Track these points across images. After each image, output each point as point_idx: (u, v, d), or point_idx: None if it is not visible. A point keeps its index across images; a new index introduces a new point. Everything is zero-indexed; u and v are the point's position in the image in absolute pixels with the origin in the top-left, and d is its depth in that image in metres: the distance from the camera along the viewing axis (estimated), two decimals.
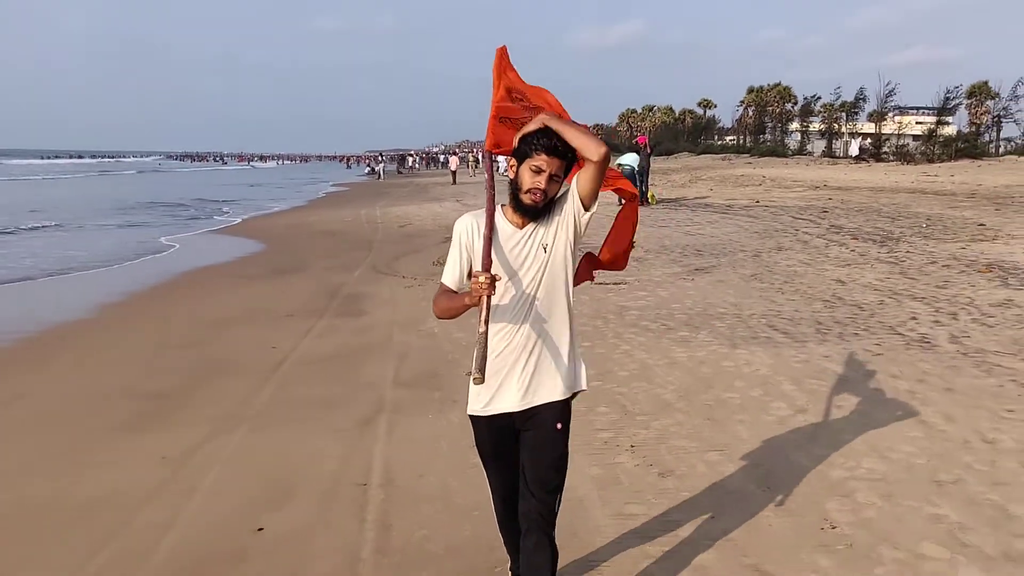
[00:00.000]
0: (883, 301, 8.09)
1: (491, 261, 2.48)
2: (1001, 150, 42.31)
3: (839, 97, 52.18)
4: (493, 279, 2.38)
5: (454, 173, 41.40)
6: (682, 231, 14.79)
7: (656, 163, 41.93)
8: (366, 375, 6.32)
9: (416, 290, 9.97)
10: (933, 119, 43.04)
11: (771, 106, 62.14)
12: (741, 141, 62.21)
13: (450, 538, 3.59)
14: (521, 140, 2.51)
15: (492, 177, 2.70)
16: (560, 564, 2.74)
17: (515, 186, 2.53)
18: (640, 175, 20.97)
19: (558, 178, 2.51)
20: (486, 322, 2.36)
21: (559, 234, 2.58)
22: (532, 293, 2.58)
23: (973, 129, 44.08)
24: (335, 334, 7.75)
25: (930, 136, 39.04)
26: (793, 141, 56.54)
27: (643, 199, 20.91)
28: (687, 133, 69.40)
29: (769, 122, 62.17)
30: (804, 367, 5.95)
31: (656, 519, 3.70)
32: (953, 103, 43.03)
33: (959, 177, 24.89)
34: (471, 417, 2.73)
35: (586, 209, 2.56)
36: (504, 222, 2.60)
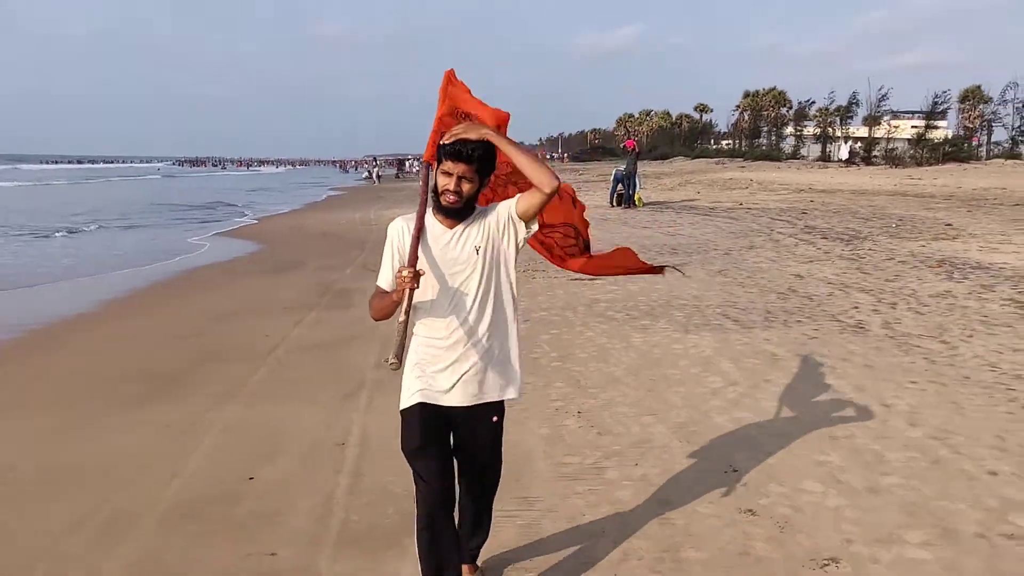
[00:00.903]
0: (832, 293, 8.73)
1: (416, 257, 2.64)
2: (990, 154, 42.99)
3: (833, 101, 53.04)
4: (416, 273, 2.55)
5: None
6: (663, 232, 15.42)
7: (651, 167, 42.64)
8: (350, 359, 6.94)
9: None
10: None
11: (766, 110, 62.98)
12: (737, 145, 62.93)
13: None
14: (437, 148, 2.72)
15: (427, 183, 2.85)
16: (501, 500, 3.29)
17: (435, 190, 2.73)
18: (627, 178, 21.65)
19: (470, 179, 2.65)
20: (406, 312, 2.55)
21: (494, 238, 2.73)
22: (466, 292, 2.72)
23: (963, 133, 44.79)
24: (324, 324, 8.39)
25: (919, 140, 39.73)
26: (788, 145, 57.26)
27: (630, 201, 21.57)
28: (683, 137, 70.18)
29: (764, 126, 62.97)
30: (745, 348, 6.58)
31: (588, 467, 4.33)
32: (942, 107, 43.80)
33: (942, 180, 25.55)
34: (402, 412, 2.82)
35: (526, 225, 2.74)
36: (434, 222, 2.75)
